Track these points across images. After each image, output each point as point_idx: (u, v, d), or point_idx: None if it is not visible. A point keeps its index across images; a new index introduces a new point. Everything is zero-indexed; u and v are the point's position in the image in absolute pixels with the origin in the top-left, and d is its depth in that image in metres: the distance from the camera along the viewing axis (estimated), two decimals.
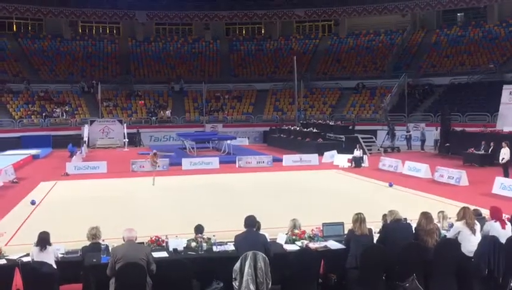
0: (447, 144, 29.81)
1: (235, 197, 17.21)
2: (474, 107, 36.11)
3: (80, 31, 52.84)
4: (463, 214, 8.06)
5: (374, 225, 8.80)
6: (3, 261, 7.86)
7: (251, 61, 51.52)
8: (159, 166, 21.14)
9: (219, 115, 44.72)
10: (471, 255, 7.77)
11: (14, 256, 8.00)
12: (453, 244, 7.84)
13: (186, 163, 25.26)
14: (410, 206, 13.83)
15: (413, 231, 8.06)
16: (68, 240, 9.64)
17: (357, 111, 43.29)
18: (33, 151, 31.91)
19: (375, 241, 7.98)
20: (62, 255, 8.00)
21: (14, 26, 50.64)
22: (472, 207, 8.75)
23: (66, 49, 49.64)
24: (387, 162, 24.11)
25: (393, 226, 8.02)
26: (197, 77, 48.24)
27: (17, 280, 7.61)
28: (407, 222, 8.56)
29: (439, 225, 8.51)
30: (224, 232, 9.17)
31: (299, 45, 52.57)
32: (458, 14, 49.65)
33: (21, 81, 44.28)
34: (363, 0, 50.32)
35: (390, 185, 18.98)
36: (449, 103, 36.94)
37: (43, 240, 7.68)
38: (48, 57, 48.40)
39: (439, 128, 31.94)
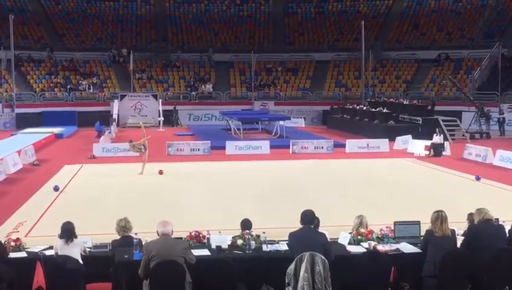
0: None
1: (289, 188, 17.21)
2: None
3: None
4: None
5: (458, 225, 8.70)
6: (23, 254, 8.12)
7: (309, 26, 51.09)
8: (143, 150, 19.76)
9: (270, 90, 44.75)
10: None
11: (35, 249, 8.30)
12: None
13: (230, 147, 25.48)
14: (503, 204, 13.51)
15: (507, 235, 7.95)
16: (95, 233, 9.92)
17: (437, 88, 42.40)
18: (56, 130, 32.93)
19: (458, 245, 7.92)
20: (90, 250, 8.23)
21: None
22: None
23: (94, 12, 50.66)
24: (474, 151, 23.71)
25: (482, 227, 7.91)
26: (244, 45, 48.37)
27: (39, 275, 7.90)
28: (499, 223, 8.39)
29: None
30: (276, 229, 9.22)
31: (368, 7, 51.71)
32: None
33: (43, 48, 45.62)
34: None
35: (478, 179, 18.62)
36: None
37: (69, 232, 7.91)
38: (73, 20, 49.50)
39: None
